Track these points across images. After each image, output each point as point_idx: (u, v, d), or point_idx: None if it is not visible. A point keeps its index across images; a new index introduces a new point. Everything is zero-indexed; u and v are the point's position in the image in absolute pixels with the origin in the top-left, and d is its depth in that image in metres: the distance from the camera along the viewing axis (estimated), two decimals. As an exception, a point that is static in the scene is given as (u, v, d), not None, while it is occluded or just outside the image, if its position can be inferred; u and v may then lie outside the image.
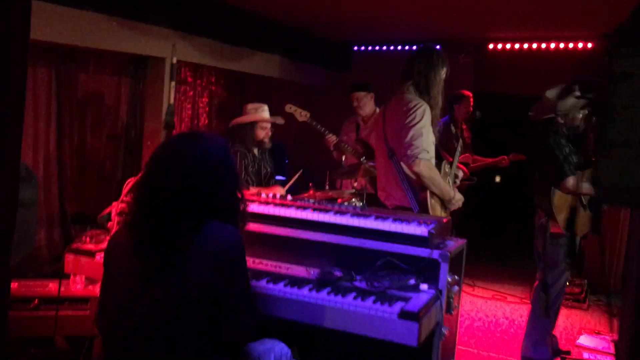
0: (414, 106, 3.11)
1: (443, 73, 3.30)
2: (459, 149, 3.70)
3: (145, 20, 4.18)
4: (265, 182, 4.32)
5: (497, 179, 8.92)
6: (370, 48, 7.36)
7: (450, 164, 3.47)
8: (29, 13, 1.60)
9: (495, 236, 7.92)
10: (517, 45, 6.70)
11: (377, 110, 5.47)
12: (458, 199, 3.28)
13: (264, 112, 4.25)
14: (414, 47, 7.17)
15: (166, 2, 4.28)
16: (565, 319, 5.07)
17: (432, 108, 3.21)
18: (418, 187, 3.16)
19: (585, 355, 4.24)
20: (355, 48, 7.39)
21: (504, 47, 6.75)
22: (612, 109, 1.80)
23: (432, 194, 3.15)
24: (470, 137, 6.52)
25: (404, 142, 3.07)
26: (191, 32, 4.54)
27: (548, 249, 3.86)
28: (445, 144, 6.18)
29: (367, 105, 5.15)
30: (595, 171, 2.05)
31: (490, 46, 6.79)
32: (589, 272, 6.02)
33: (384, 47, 7.31)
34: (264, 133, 4.24)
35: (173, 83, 4.44)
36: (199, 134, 1.97)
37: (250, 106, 4.25)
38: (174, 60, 4.45)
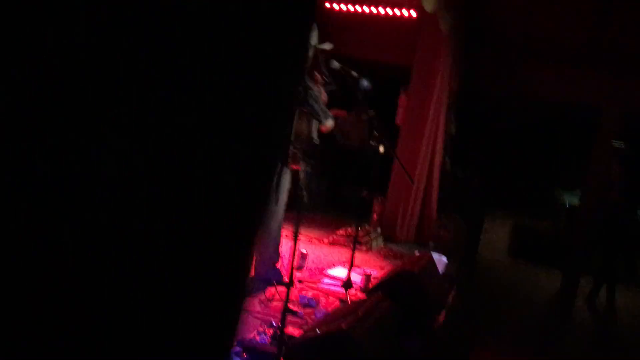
0: None
1: None
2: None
3: None
4: None
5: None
6: None
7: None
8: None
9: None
10: (351, 8, 7.03)
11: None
12: None
13: None
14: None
15: None
16: (339, 255, 5.53)
17: None
18: None
19: (326, 280, 4.67)
20: None
21: (340, 7, 7.07)
22: None
23: None
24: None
25: None
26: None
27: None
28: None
29: None
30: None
31: (327, 5, 7.09)
32: (384, 226, 6.48)
33: None
34: None
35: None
36: None
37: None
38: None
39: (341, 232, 6.09)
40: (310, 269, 4.99)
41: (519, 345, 5.62)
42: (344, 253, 5.70)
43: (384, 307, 3.12)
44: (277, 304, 4.03)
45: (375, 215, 6.75)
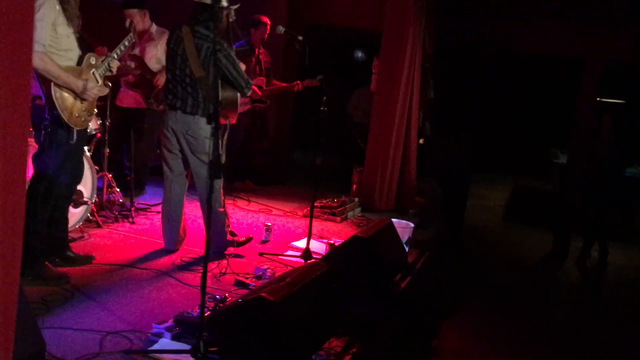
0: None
1: None
2: (125, 43, 3.85)
3: None
4: None
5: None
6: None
7: (96, 57, 3.61)
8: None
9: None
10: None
11: (153, 25, 5.64)
12: (90, 88, 3.44)
13: None
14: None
15: None
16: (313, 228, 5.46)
17: (66, 2, 3.32)
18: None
19: (289, 253, 4.61)
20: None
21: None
22: None
23: (61, 85, 3.32)
24: (269, 62, 6.74)
25: None
26: None
27: None
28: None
29: (140, 22, 5.27)
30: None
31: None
32: (362, 196, 6.38)
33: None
34: None
35: None
36: None
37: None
38: None
39: (316, 204, 5.99)
40: (276, 242, 4.93)
41: (500, 309, 5.52)
42: (318, 226, 5.63)
43: (316, 273, 3.04)
44: (230, 277, 3.99)
45: (354, 186, 6.66)
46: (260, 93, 6.47)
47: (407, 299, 4.15)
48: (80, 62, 3.48)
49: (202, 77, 3.96)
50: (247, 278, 3.94)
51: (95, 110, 4.81)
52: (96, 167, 4.73)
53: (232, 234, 4.52)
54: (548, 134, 10.41)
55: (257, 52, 6.52)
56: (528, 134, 11.15)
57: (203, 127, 4.07)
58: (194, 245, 4.55)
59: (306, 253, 4.39)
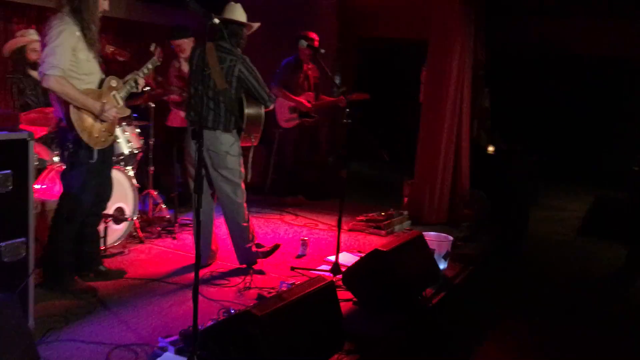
0: (51, 26, 3.42)
1: None
2: (149, 66, 3.97)
3: None
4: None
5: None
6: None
7: (117, 80, 3.74)
8: None
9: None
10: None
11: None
12: (108, 109, 3.57)
13: (32, 34, 4.63)
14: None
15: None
16: (354, 241, 5.41)
17: (86, 29, 3.49)
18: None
19: (322, 267, 4.56)
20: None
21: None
22: None
23: (79, 107, 3.48)
24: (318, 77, 6.76)
25: None
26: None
27: None
28: (287, 80, 6.49)
29: (188, 48, 5.45)
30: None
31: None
32: (412, 209, 6.24)
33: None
34: (35, 55, 4.55)
35: None
36: None
37: (18, 32, 4.68)
38: None
39: (361, 217, 5.93)
40: (313, 256, 4.90)
41: (551, 328, 5.17)
42: (361, 239, 5.56)
43: (315, 287, 2.98)
44: (255, 292, 4.00)
45: (405, 199, 6.52)
46: (309, 105, 6.51)
47: (435, 314, 3.98)
48: (101, 84, 3.64)
49: (225, 89, 4.04)
50: (269, 293, 3.93)
51: (138, 130, 5.05)
52: (137, 185, 4.91)
53: (259, 245, 4.54)
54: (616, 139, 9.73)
55: (305, 67, 6.57)
56: (612, 141, 10.46)
57: (224, 142, 4.14)
58: (226, 259, 4.61)
59: (335, 267, 4.33)
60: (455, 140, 6.20)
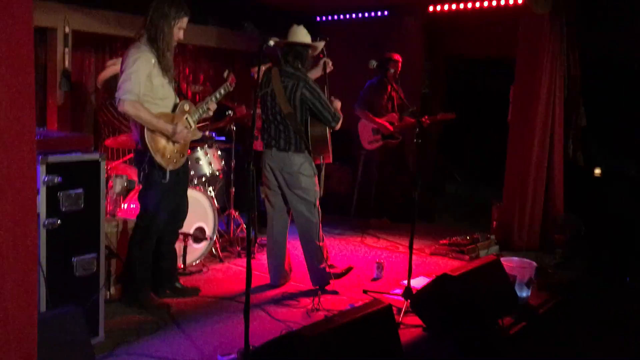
0: (128, 54, 3.62)
1: (175, 23, 3.70)
2: (221, 91, 4.08)
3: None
4: None
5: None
6: (330, 18, 7.71)
7: (190, 104, 3.88)
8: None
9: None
10: (460, 6, 6.68)
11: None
12: (180, 132, 3.70)
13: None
14: (372, 14, 7.45)
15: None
16: (434, 266, 5.24)
17: (161, 57, 3.66)
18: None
19: (396, 290, 4.45)
20: (318, 18, 7.78)
21: (442, 9, 6.78)
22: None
23: (153, 130, 3.65)
24: (402, 98, 6.66)
25: None
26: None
27: None
28: (370, 101, 6.48)
29: None
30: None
31: (431, 8, 6.85)
32: (501, 232, 5.97)
33: (342, 16, 7.64)
34: None
35: (67, 49, 5.33)
36: None
37: (109, 62, 5.01)
38: (67, 30, 5.32)
39: (444, 241, 5.74)
40: (389, 280, 4.80)
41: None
42: (442, 264, 5.37)
43: (370, 310, 2.90)
44: (322, 313, 3.96)
45: (494, 223, 6.25)
46: (391, 129, 6.44)
47: (513, 345, 3.74)
48: (175, 108, 3.80)
49: (290, 113, 4.10)
50: (337, 315, 3.88)
51: (219, 152, 5.22)
52: (218, 206, 5.05)
53: (331, 267, 4.50)
54: None
55: (389, 88, 6.52)
56: None
57: (296, 163, 4.19)
58: (300, 280, 4.61)
59: (407, 291, 4.20)
60: (547, 161, 5.87)
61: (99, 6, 5.55)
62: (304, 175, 4.25)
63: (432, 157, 7.82)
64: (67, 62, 5.37)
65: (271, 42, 2.87)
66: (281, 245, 4.46)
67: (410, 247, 4.22)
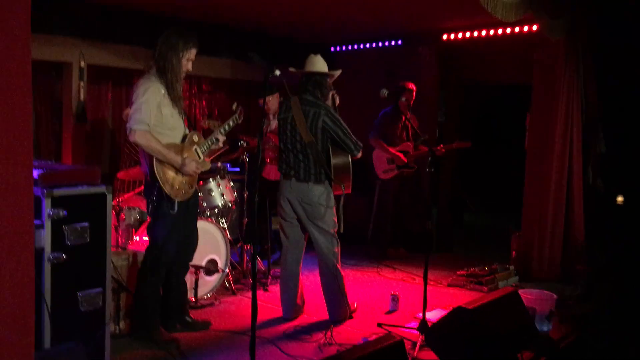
0: (139, 85, 3.62)
1: (184, 54, 3.70)
2: (230, 123, 4.05)
3: (53, 32, 5.18)
4: None
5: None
6: (344, 48, 7.72)
7: (199, 135, 3.87)
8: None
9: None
10: (474, 34, 6.63)
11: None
12: (188, 163, 3.67)
13: None
14: (386, 43, 7.44)
15: (73, 14, 5.24)
16: (451, 297, 5.10)
17: (171, 88, 3.66)
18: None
19: (411, 324, 4.33)
20: (333, 49, 7.79)
21: (456, 37, 6.74)
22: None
23: (162, 161, 3.63)
24: (417, 127, 6.60)
25: None
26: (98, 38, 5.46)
27: None
28: (385, 131, 6.43)
29: (275, 103, 5.58)
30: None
31: (445, 37, 6.81)
32: (520, 262, 5.83)
33: (356, 46, 7.65)
34: None
35: (82, 83, 5.38)
36: None
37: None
38: (82, 64, 5.38)
39: (462, 272, 5.61)
40: (404, 313, 4.68)
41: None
42: (460, 296, 5.23)
43: (383, 345, 2.80)
44: (334, 348, 3.86)
45: (514, 253, 6.10)
46: (405, 159, 6.36)
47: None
48: (184, 139, 3.78)
49: (311, 142, 4.05)
50: (350, 350, 3.77)
51: (232, 183, 5.18)
52: (230, 238, 5.00)
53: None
54: None
55: (403, 118, 6.46)
56: None
57: (316, 194, 4.13)
58: (313, 314, 4.51)
59: (423, 324, 4.08)
60: (566, 189, 5.74)
61: (113, 40, 5.61)
62: (324, 206, 4.20)
63: (448, 186, 7.70)
64: (82, 96, 5.41)
65: (277, 72, 2.85)
66: (295, 277, 4.38)
67: (425, 279, 4.11)
